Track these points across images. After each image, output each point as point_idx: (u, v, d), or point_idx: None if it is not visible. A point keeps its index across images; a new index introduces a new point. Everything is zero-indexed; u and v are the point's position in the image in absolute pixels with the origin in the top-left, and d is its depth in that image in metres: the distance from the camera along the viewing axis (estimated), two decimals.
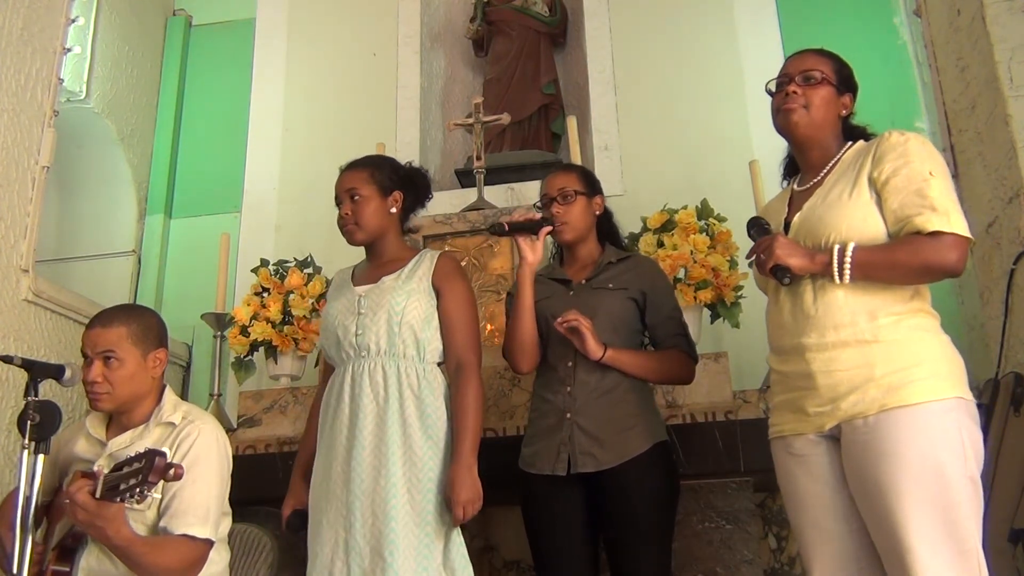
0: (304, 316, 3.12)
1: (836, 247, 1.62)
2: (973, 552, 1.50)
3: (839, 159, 1.77)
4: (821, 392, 1.63)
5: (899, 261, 1.60)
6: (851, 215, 1.65)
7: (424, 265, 2.10)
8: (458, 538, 1.94)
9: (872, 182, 1.66)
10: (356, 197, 2.09)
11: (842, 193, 1.69)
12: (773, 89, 1.82)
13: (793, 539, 2.98)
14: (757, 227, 1.80)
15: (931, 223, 1.57)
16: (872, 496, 1.56)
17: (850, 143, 1.79)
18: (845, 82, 1.81)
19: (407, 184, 2.18)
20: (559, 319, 2.02)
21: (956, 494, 1.50)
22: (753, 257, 1.75)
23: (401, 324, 2.01)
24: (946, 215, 1.58)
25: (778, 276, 1.66)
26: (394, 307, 2.01)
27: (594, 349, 2.01)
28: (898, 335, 1.60)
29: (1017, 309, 2.39)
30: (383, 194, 2.11)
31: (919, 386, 1.55)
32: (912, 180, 1.62)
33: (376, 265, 2.14)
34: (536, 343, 2.13)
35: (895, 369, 1.57)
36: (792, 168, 1.93)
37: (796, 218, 1.75)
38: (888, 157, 1.66)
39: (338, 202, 2.12)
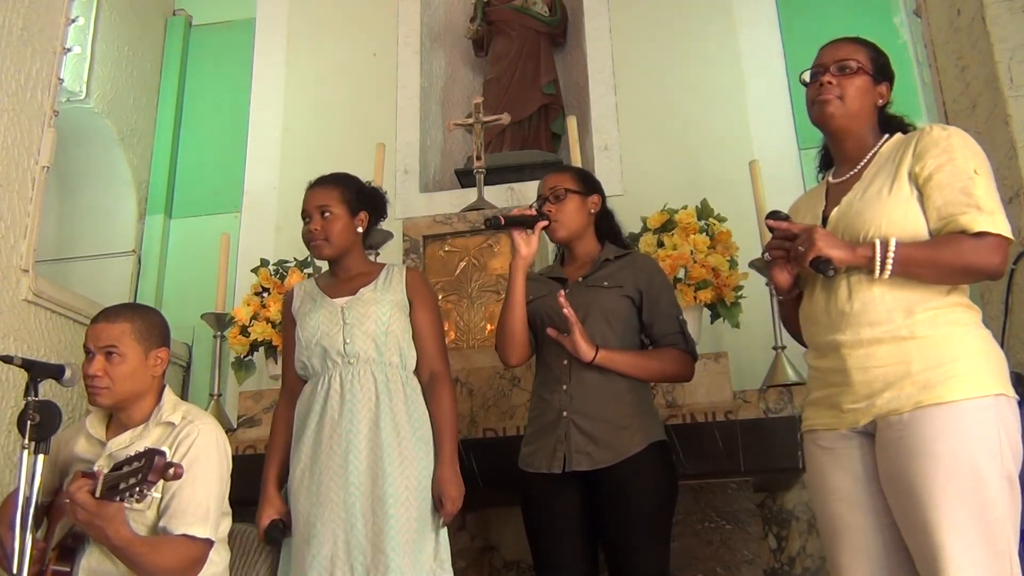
0: None
1: (879, 241, 1.58)
2: (1006, 553, 1.47)
3: (877, 152, 1.73)
4: (856, 388, 1.61)
5: (942, 260, 1.56)
6: (891, 211, 1.61)
7: (396, 279, 2.19)
8: (444, 531, 2.02)
9: (913, 177, 1.62)
10: (327, 214, 2.14)
11: (881, 188, 1.65)
12: (807, 80, 1.78)
13: (793, 539, 2.98)
14: (778, 219, 1.74)
15: (977, 223, 1.54)
16: (905, 494, 1.53)
17: (887, 135, 1.75)
18: (881, 71, 1.77)
19: (370, 204, 2.24)
20: (557, 313, 2.02)
21: (991, 494, 1.47)
22: (769, 252, 1.73)
23: (387, 335, 2.09)
24: (991, 215, 1.55)
25: (820, 268, 1.60)
26: (380, 318, 2.09)
27: (585, 351, 2.01)
28: (935, 331, 1.57)
29: (1017, 309, 2.39)
30: (351, 213, 2.18)
31: (956, 383, 1.52)
32: (957, 177, 1.58)
33: (345, 279, 2.20)
34: (525, 336, 2.14)
35: (932, 365, 1.54)
36: (827, 161, 1.88)
37: (834, 212, 1.71)
38: (931, 152, 1.61)
39: (305, 216, 2.17)
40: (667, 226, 2.96)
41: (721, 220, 2.97)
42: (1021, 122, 2.36)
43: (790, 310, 1.83)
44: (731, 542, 2.49)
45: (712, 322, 2.95)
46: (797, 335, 1.85)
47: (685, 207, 2.98)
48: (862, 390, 1.60)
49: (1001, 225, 1.55)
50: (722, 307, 2.87)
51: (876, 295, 1.61)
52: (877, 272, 1.58)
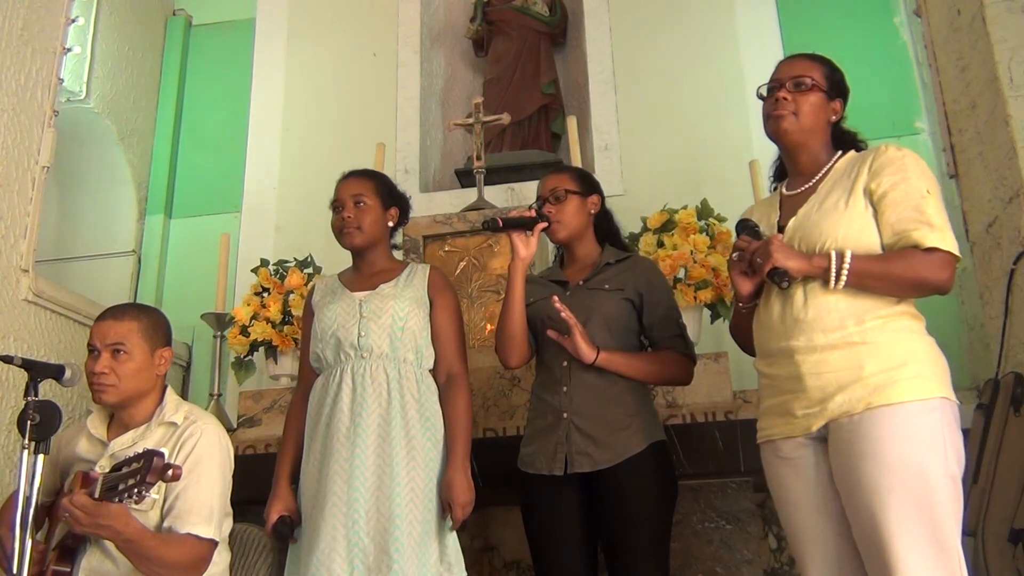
0: None
1: (835, 252, 1.64)
2: (953, 550, 1.52)
3: (832, 167, 1.78)
4: (810, 393, 1.65)
5: (893, 273, 1.63)
6: (847, 224, 1.67)
7: (418, 277, 2.19)
8: (453, 534, 1.99)
9: (868, 193, 1.68)
10: (361, 204, 2.16)
11: (838, 202, 1.70)
12: (764, 94, 1.83)
13: None
14: (748, 230, 1.80)
15: (928, 239, 1.61)
16: (855, 493, 1.58)
17: (841, 151, 1.81)
18: (836, 87, 1.82)
19: (400, 203, 2.27)
20: (556, 315, 2.02)
21: (937, 493, 1.53)
22: (736, 255, 1.77)
23: (403, 330, 2.08)
24: (941, 233, 1.61)
25: (776, 280, 1.66)
26: (397, 313, 2.09)
27: (586, 353, 2.01)
28: (885, 336, 1.63)
29: (1017, 309, 2.39)
30: (384, 206, 2.20)
31: (904, 386, 1.58)
32: (910, 195, 1.64)
33: (368, 274, 2.20)
34: (525, 338, 2.14)
35: (882, 369, 1.60)
36: (781, 172, 1.93)
37: (791, 223, 1.76)
38: (886, 171, 1.68)
39: (337, 206, 2.18)
40: (667, 226, 2.96)
41: (721, 220, 2.97)
42: (1021, 122, 2.36)
43: (743, 318, 1.87)
44: (731, 542, 2.50)
45: (712, 322, 2.95)
46: (744, 342, 1.90)
47: (685, 207, 2.98)
48: (815, 395, 1.64)
49: (950, 243, 1.62)
50: (722, 307, 2.87)
51: (831, 303, 1.66)
52: (832, 282, 1.64)
